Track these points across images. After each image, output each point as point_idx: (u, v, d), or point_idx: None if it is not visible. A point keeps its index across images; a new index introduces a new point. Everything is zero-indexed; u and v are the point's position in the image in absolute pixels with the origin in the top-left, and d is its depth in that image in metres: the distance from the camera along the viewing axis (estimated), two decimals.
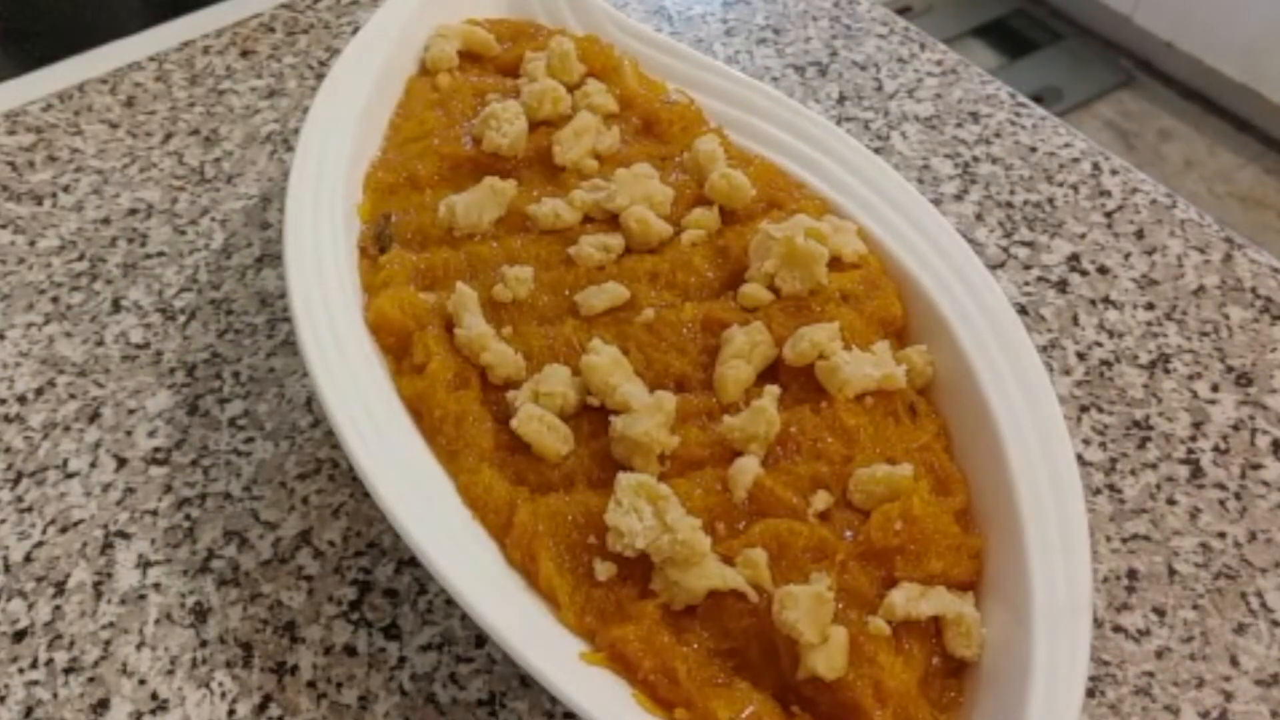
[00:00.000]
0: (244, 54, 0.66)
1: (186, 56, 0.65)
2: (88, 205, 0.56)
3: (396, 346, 0.42)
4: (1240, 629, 0.40)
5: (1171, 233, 0.54)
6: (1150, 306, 0.51)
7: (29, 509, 0.44)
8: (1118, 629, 0.40)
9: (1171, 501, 0.44)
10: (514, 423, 0.39)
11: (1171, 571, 0.42)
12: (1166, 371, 0.48)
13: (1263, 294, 0.51)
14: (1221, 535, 0.43)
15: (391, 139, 0.51)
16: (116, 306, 0.52)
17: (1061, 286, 0.52)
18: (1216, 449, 0.46)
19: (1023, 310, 0.51)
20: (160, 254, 0.54)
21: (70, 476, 0.45)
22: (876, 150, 0.58)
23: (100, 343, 0.50)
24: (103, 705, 0.38)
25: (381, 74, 0.52)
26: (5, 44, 0.70)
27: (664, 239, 0.45)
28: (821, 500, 0.37)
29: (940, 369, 0.42)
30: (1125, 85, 1.92)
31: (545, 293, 0.44)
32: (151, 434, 0.47)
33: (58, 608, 0.41)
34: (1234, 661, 0.39)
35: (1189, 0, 1.81)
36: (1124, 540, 0.43)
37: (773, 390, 0.39)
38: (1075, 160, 0.58)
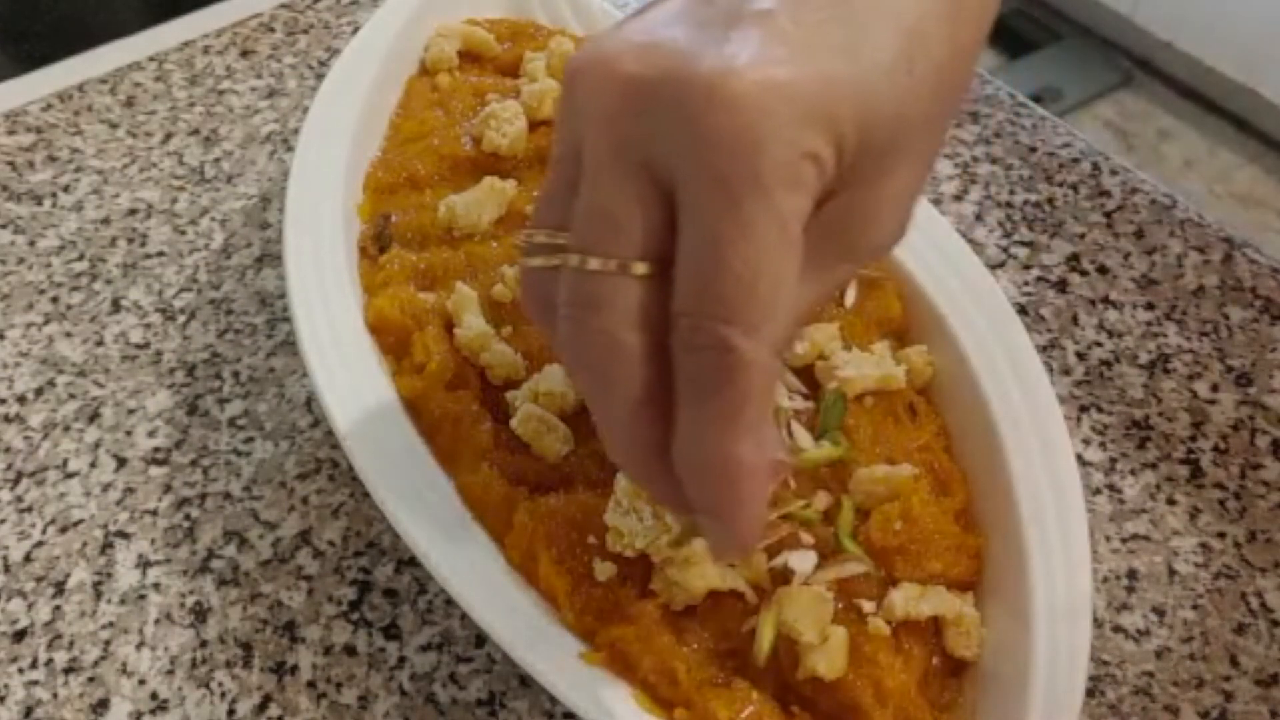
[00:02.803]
0: (244, 54, 0.66)
1: (186, 56, 0.65)
2: (87, 205, 0.56)
3: (396, 346, 0.42)
4: (1240, 629, 0.40)
5: (1171, 233, 0.54)
6: (1150, 306, 0.51)
7: (29, 509, 0.44)
8: (1118, 629, 0.40)
9: (1171, 501, 0.44)
10: (513, 423, 0.39)
11: (1171, 571, 0.42)
12: (1166, 371, 0.48)
13: (1263, 294, 0.51)
14: (1221, 535, 0.43)
15: (391, 139, 0.51)
16: (116, 306, 0.52)
17: (1061, 286, 0.52)
18: (1216, 449, 0.46)
19: (1023, 310, 0.51)
20: (160, 254, 0.54)
21: (70, 476, 0.45)
22: None
23: (100, 343, 0.50)
24: (102, 705, 0.38)
25: (381, 74, 0.52)
26: (5, 44, 0.70)
27: None
28: (821, 500, 0.37)
29: (940, 369, 0.42)
30: (1125, 85, 1.92)
31: None
32: (151, 434, 0.47)
33: (57, 608, 0.41)
34: (1234, 661, 0.39)
35: (1189, 0, 1.81)
36: (1124, 540, 0.43)
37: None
38: (1075, 160, 0.58)
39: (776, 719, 0.34)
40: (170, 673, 0.39)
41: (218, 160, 0.59)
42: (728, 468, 0.26)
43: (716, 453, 0.26)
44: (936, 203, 0.55)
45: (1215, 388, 0.48)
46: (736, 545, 0.29)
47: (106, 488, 0.45)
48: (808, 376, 0.40)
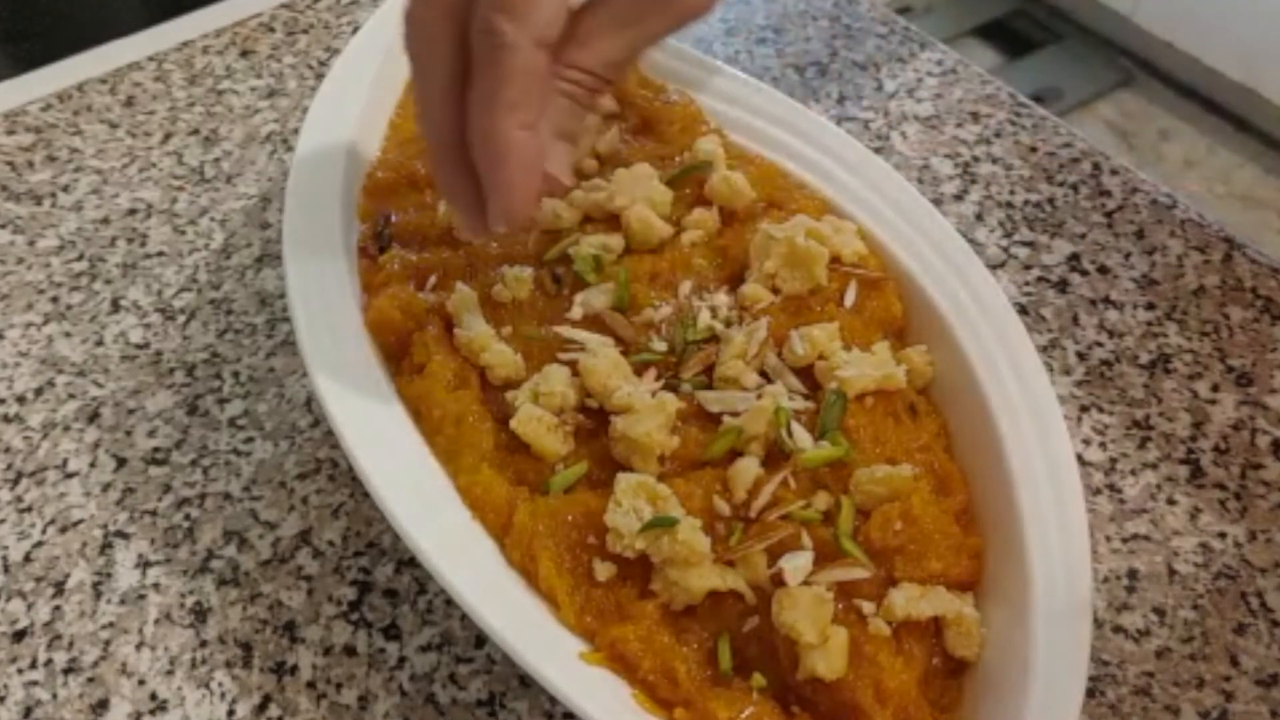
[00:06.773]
0: (244, 54, 0.66)
1: (186, 56, 0.65)
2: (87, 205, 0.56)
3: (396, 346, 0.42)
4: (1240, 629, 0.40)
5: (1171, 233, 0.54)
6: (1150, 306, 0.51)
7: (29, 509, 0.44)
8: (1118, 629, 0.40)
9: (1171, 501, 0.44)
10: (513, 423, 0.39)
11: (1171, 571, 0.42)
12: (1166, 371, 0.48)
13: (1263, 294, 0.51)
14: (1221, 535, 0.43)
15: (391, 139, 0.51)
16: (116, 306, 0.52)
17: (1061, 286, 0.52)
18: (1216, 449, 0.46)
19: (1023, 310, 0.51)
20: (160, 254, 0.54)
21: (70, 476, 0.45)
22: (876, 150, 0.58)
23: (100, 343, 0.50)
24: (102, 705, 0.38)
25: (381, 74, 0.52)
26: (5, 44, 0.70)
27: (664, 239, 0.45)
28: (821, 500, 0.37)
29: (940, 369, 0.42)
30: (1125, 85, 1.92)
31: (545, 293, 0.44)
32: (151, 434, 0.47)
33: (57, 608, 0.41)
34: (1234, 661, 0.39)
35: (1189, 0, 1.81)
36: (1124, 540, 0.43)
37: (773, 390, 0.39)
38: (1075, 160, 0.58)
39: (776, 719, 0.34)
40: (170, 673, 0.39)
41: (218, 160, 0.59)
42: (493, 140, 0.32)
43: (485, 126, 0.32)
44: (937, 203, 0.55)
45: (1215, 388, 0.48)
46: (505, 216, 0.34)
47: (106, 488, 0.45)
48: (808, 376, 0.40)
